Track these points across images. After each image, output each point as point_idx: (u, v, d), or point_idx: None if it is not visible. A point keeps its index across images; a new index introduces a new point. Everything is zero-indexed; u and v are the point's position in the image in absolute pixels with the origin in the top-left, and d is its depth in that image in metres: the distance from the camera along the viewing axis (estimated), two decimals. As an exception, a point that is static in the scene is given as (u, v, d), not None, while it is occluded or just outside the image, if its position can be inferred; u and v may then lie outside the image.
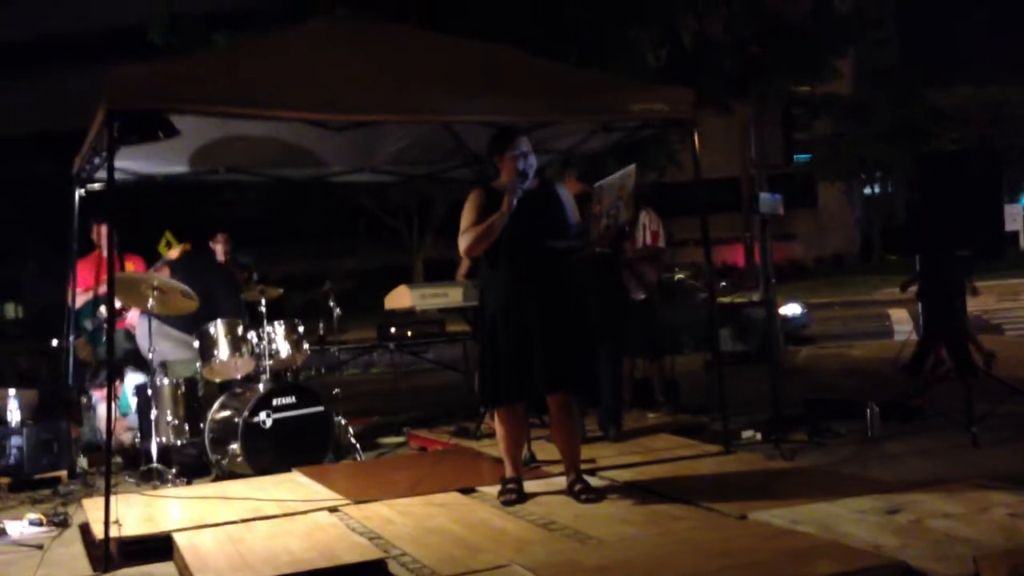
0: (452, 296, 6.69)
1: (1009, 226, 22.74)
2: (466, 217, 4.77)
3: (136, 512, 4.87)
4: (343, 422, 6.58)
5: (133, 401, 6.67)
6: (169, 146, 5.87)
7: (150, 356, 6.19)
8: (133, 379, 6.71)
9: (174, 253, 7.51)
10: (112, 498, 4.58)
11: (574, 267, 4.88)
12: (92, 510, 4.85)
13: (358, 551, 4.02)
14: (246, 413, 5.94)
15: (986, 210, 6.24)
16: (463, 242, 4.77)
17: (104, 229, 6.92)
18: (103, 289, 6.62)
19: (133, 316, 6.97)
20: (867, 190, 44.69)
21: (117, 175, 6.59)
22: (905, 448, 5.89)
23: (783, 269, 25.54)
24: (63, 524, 5.10)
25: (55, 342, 7.79)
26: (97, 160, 5.95)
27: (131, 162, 6.59)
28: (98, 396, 6.85)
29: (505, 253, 4.71)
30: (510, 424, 4.87)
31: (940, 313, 8.56)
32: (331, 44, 5.76)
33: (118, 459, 6.58)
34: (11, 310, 27.24)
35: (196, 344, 6.37)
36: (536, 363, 4.62)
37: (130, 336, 7.08)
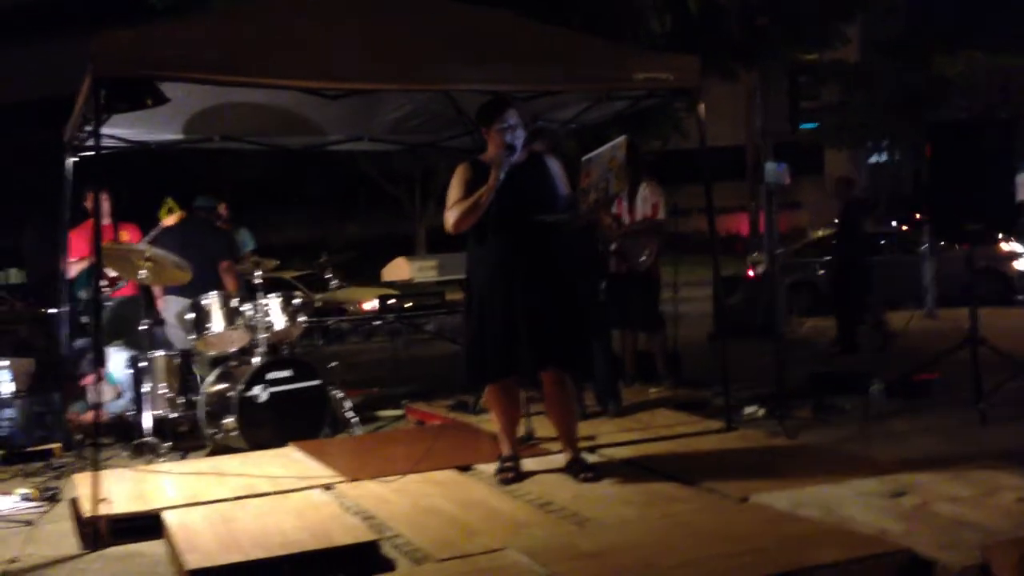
0: (449, 267, 6.57)
1: (1022, 195, 22.50)
2: (453, 191, 4.64)
3: (127, 488, 4.79)
4: (340, 395, 6.49)
5: (122, 373, 6.59)
6: (161, 113, 5.73)
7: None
8: (118, 356, 6.61)
9: (170, 220, 7.41)
10: (103, 474, 4.50)
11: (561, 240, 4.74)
12: (82, 485, 4.77)
13: (351, 532, 3.94)
14: (241, 386, 5.85)
15: (998, 182, 6.10)
16: (450, 217, 4.64)
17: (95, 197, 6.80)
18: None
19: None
20: (873, 159, 44.33)
21: (109, 142, 6.51)
22: (911, 425, 5.80)
23: (789, 237, 25.32)
24: (53, 499, 5.03)
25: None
26: (87, 128, 5.81)
27: (123, 129, 6.47)
28: (89, 382, 6.76)
29: (492, 228, 4.58)
30: (502, 401, 4.77)
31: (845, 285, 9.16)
32: (326, 10, 5.57)
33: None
34: (15, 275, 27.15)
35: (191, 316, 6.27)
36: (523, 339, 4.51)
37: (127, 306, 6.98)
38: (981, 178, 6.03)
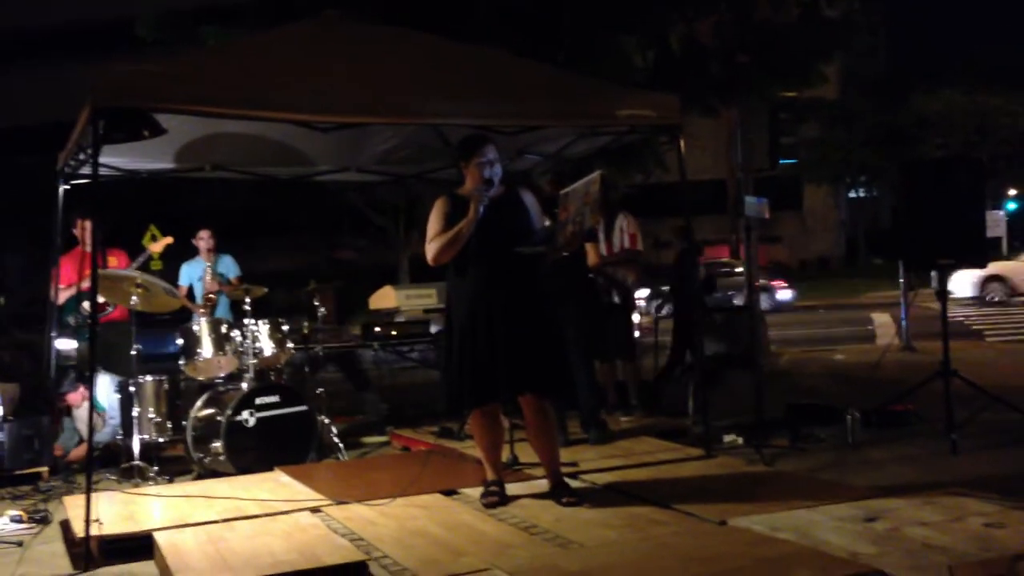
0: (437, 296, 6.69)
1: (992, 232, 22.90)
2: (432, 224, 4.79)
3: (117, 510, 4.87)
4: (326, 421, 6.58)
5: (108, 399, 6.64)
6: (155, 142, 5.83)
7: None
8: (103, 381, 6.68)
9: (157, 247, 7.51)
10: (93, 496, 4.57)
11: (545, 272, 4.88)
12: (73, 507, 4.84)
13: (339, 553, 4.03)
14: (229, 411, 5.93)
15: (969, 218, 6.28)
16: (430, 250, 4.79)
17: (87, 225, 6.90)
18: (86, 285, 6.59)
19: None
20: (852, 193, 44.91)
21: (103, 170, 6.60)
22: (885, 454, 5.93)
23: (768, 271, 25.65)
24: (44, 521, 5.09)
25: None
26: (82, 156, 5.93)
27: (116, 158, 6.58)
28: (72, 400, 6.80)
29: (472, 260, 4.72)
30: (485, 427, 4.89)
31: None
32: (318, 45, 5.75)
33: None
34: (-3, 301, 27.07)
35: (180, 342, 6.36)
36: (501, 366, 4.62)
37: (115, 331, 7.04)
38: (952, 215, 6.21)
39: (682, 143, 6.05)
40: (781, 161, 10.72)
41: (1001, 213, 28.68)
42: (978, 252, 6.47)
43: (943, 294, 6.61)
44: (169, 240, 7.78)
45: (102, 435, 6.70)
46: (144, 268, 7.10)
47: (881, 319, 18.49)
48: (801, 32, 10.94)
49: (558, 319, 4.92)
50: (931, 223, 6.26)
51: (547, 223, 4.93)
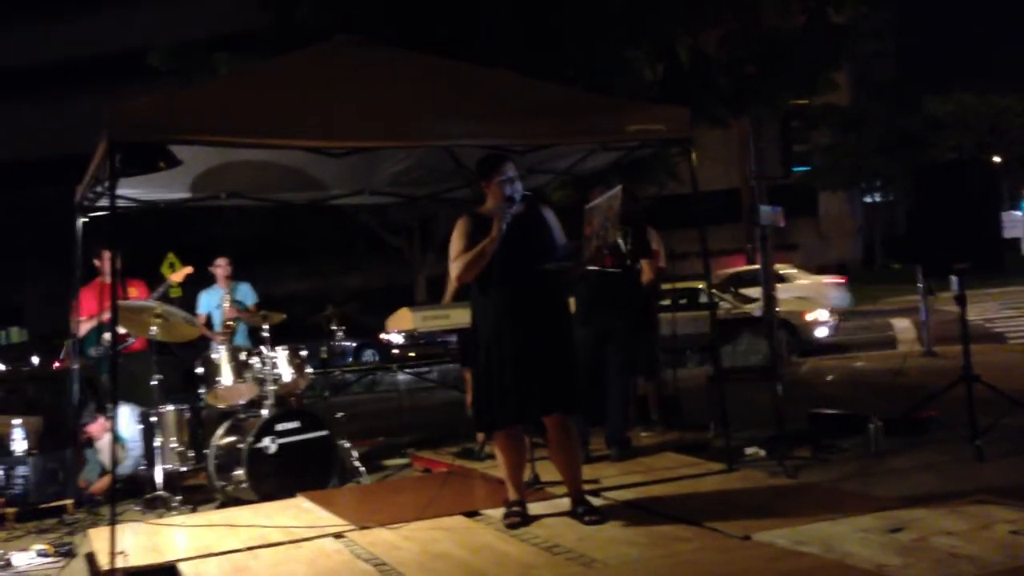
0: (453, 318, 6.70)
1: (1011, 233, 22.72)
2: (455, 244, 4.81)
3: (141, 541, 4.89)
4: (347, 445, 6.60)
5: (128, 430, 6.68)
6: (171, 174, 5.91)
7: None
8: (124, 412, 6.72)
9: (177, 277, 7.56)
10: (118, 528, 4.60)
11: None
12: (97, 540, 4.87)
13: (363, 578, 4.04)
14: (250, 439, 5.96)
15: (983, 222, 6.25)
16: (454, 269, 4.81)
17: (107, 255, 6.97)
18: (107, 316, 6.65)
19: None
20: (868, 198, 44.72)
21: (120, 202, 6.67)
22: (909, 463, 5.88)
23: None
24: (69, 555, 5.12)
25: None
26: (99, 189, 5.99)
27: (133, 189, 6.63)
28: (93, 431, 6.84)
29: (496, 278, 4.73)
30: (509, 448, 4.88)
31: None
32: (329, 71, 5.80)
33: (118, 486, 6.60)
34: (16, 335, 27.32)
35: (199, 370, 6.40)
36: (530, 386, 4.64)
37: (136, 362, 7.09)
38: (967, 218, 6.18)
39: (693, 155, 6.06)
40: (794, 169, 10.69)
41: (1019, 214, 28.49)
42: (995, 255, 6.42)
43: (962, 298, 6.56)
44: (189, 270, 7.84)
45: (124, 467, 6.74)
46: (164, 297, 7.16)
47: (901, 324, 18.36)
48: (808, 39, 10.94)
49: (577, 335, 4.93)
50: (946, 227, 6.23)
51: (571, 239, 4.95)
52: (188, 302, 8.03)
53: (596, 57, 10.23)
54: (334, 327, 7.01)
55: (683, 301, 14.92)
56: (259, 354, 6.44)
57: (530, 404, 4.67)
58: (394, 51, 6.68)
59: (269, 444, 6.02)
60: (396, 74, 5.99)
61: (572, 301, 6.68)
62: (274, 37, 11.87)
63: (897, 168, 30.94)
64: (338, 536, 4.84)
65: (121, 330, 6.88)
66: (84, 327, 7.17)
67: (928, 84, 32.79)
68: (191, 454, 6.33)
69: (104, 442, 6.57)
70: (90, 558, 4.92)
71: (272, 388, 6.34)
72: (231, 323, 7.54)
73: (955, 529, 4.05)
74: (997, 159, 30.64)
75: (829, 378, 10.90)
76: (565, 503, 4.95)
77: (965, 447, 5.87)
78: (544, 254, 4.78)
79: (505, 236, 4.70)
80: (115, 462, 5.20)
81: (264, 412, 6.22)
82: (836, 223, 43.21)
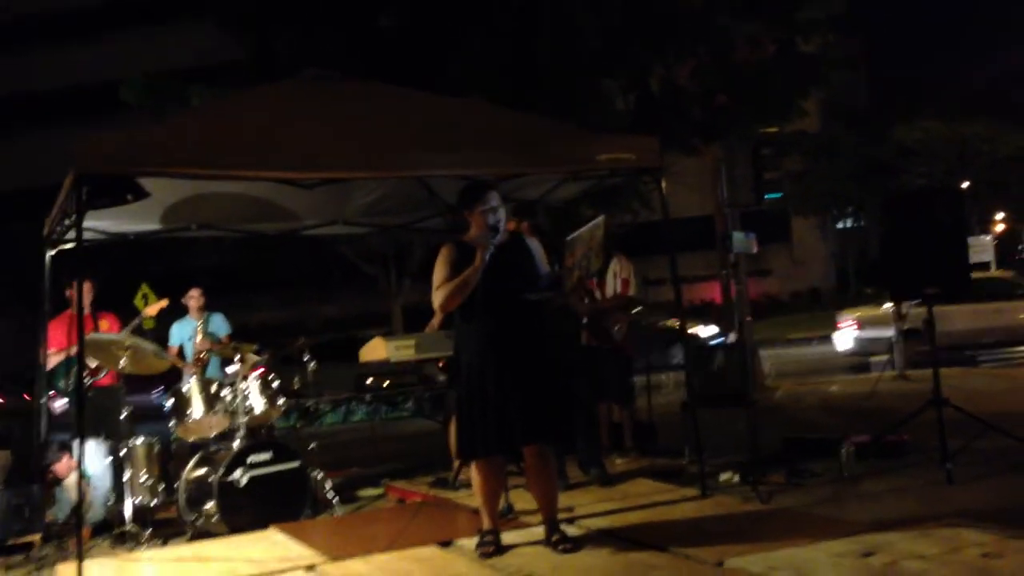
0: (427, 347, 6.68)
1: (980, 257, 22.98)
2: (439, 272, 4.81)
3: (109, 577, 4.82)
4: (320, 476, 6.54)
5: (96, 467, 6.57)
6: (140, 205, 5.88)
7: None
8: (91, 447, 6.62)
9: (151, 311, 7.51)
10: (86, 563, 4.53)
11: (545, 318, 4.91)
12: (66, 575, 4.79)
13: (334, 612, 3.99)
14: (221, 471, 5.90)
15: (951, 248, 6.34)
16: (437, 298, 4.80)
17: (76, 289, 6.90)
18: (75, 349, 6.57)
19: None
20: (840, 224, 45.17)
21: (88, 235, 6.61)
22: (881, 486, 5.91)
23: (760, 305, 25.73)
24: (36, 591, 5.03)
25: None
26: (67, 222, 5.95)
27: (101, 222, 6.61)
28: (59, 471, 6.73)
29: (479, 306, 4.73)
30: (487, 476, 4.86)
31: None
32: (300, 103, 5.82)
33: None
34: (-17, 367, 26.96)
35: (169, 403, 6.34)
36: (513, 414, 4.64)
37: (106, 395, 7.01)
38: (936, 245, 6.27)
39: (663, 184, 6.11)
40: (766, 196, 10.79)
41: (987, 238, 28.85)
42: (963, 281, 6.50)
43: (930, 323, 6.63)
44: (163, 303, 7.80)
45: (95, 511, 6.59)
46: (138, 330, 7.10)
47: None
48: (778, 69, 11.09)
49: (561, 363, 4.93)
50: (916, 254, 6.32)
51: (553, 268, 4.96)
52: (161, 333, 7.97)
53: (570, 87, 10.32)
54: (305, 357, 6.97)
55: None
56: (230, 385, 6.38)
57: (513, 433, 4.66)
58: (365, 83, 6.73)
59: (240, 476, 5.95)
60: (367, 105, 6.02)
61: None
62: (249, 70, 11.89)
63: (868, 195, 31.29)
64: (309, 568, 4.79)
65: (92, 363, 6.81)
66: (52, 360, 7.08)
67: (898, 112, 33.24)
68: (161, 487, 6.25)
69: (71, 480, 6.46)
70: (57, 595, 4.84)
71: (243, 420, 6.29)
72: (203, 355, 7.49)
73: (926, 553, 4.07)
74: (965, 185, 31.11)
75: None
76: (539, 532, 4.93)
77: (936, 470, 5.91)
78: (527, 283, 4.79)
79: (488, 265, 4.70)
80: (81, 498, 5.11)
81: (235, 444, 6.16)
82: (809, 249, 43.60)
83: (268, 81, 7.58)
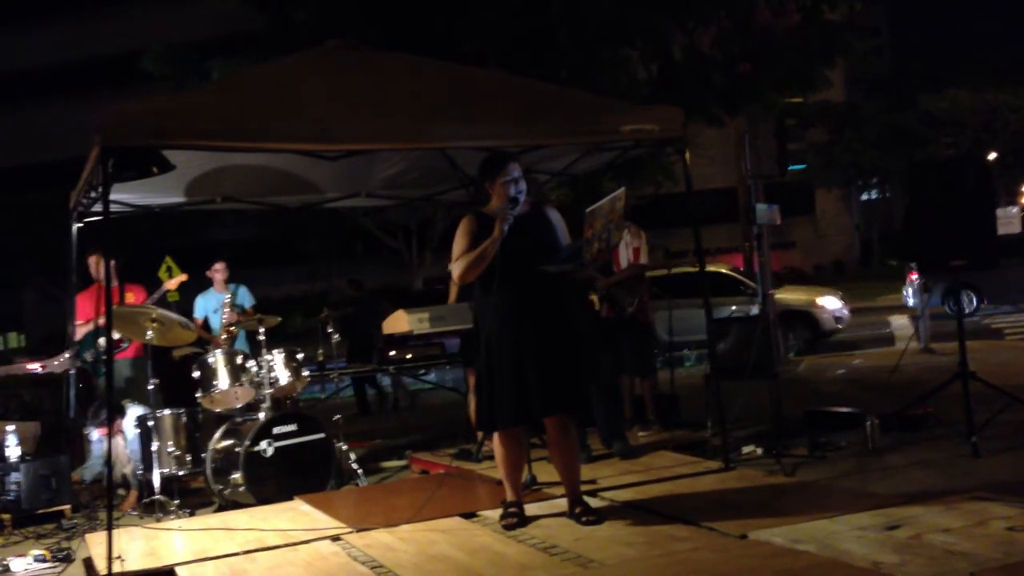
0: (450, 320, 6.69)
1: (1007, 229, 22.66)
2: (458, 244, 4.79)
3: (139, 546, 4.89)
4: (344, 447, 6.60)
5: (133, 433, 6.68)
6: (165, 178, 5.90)
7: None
8: (134, 412, 6.72)
9: (172, 284, 7.55)
10: (115, 532, 4.59)
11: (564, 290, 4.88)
12: (95, 545, 4.87)
13: (360, 581, 4.03)
14: (247, 442, 5.96)
15: (978, 220, 6.25)
16: (456, 269, 4.79)
17: (100, 261, 6.96)
18: (103, 321, 6.64)
19: None
20: (864, 196, 44.76)
21: (113, 207, 6.65)
22: (905, 460, 5.89)
23: (783, 276, 25.54)
24: (67, 560, 5.12)
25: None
26: (93, 194, 5.99)
27: (127, 194, 6.64)
28: (100, 433, 6.85)
29: (498, 278, 4.72)
30: (509, 448, 4.87)
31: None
32: (322, 74, 5.80)
33: (121, 491, 6.60)
34: (13, 340, 27.27)
35: (198, 374, 6.40)
36: (532, 386, 4.64)
37: (133, 366, 7.09)
38: (963, 216, 6.18)
39: (687, 155, 6.06)
40: (790, 167, 10.68)
41: (1015, 209, 28.48)
42: (990, 252, 6.42)
43: (957, 295, 6.58)
44: (184, 277, 7.85)
45: (127, 469, 6.70)
46: (161, 302, 7.16)
47: (899, 321, 18.37)
48: (803, 37, 10.93)
49: (580, 335, 4.91)
50: (942, 225, 6.23)
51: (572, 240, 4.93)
52: (186, 305, 8.02)
53: (590, 56, 10.22)
54: (329, 330, 7.01)
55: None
56: (256, 357, 6.43)
57: (531, 405, 4.66)
58: (387, 54, 6.68)
59: (266, 447, 6.01)
60: (389, 77, 5.99)
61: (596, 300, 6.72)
62: (269, 41, 11.85)
63: (893, 165, 30.98)
64: (335, 539, 4.84)
65: (116, 335, 6.88)
66: (80, 331, 7.16)
67: (923, 81, 32.81)
68: (188, 458, 6.32)
69: (118, 442, 6.52)
70: (88, 563, 4.92)
71: (269, 391, 6.34)
72: (232, 328, 7.52)
73: (951, 526, 4.06)
74: (992, 155, 30.70)
75: (841, 371, 10.92)
76: (562, 504, 4.95)
77: (961, 443, 5.89)
78: (547, 255, 4.76)
79: (508, 237, 4.67)
80: (110, 465, 5.17)
81: (261, 415, 6.22)
82: (833, 221, 43.28)
83: (288, 52, 7.54)
